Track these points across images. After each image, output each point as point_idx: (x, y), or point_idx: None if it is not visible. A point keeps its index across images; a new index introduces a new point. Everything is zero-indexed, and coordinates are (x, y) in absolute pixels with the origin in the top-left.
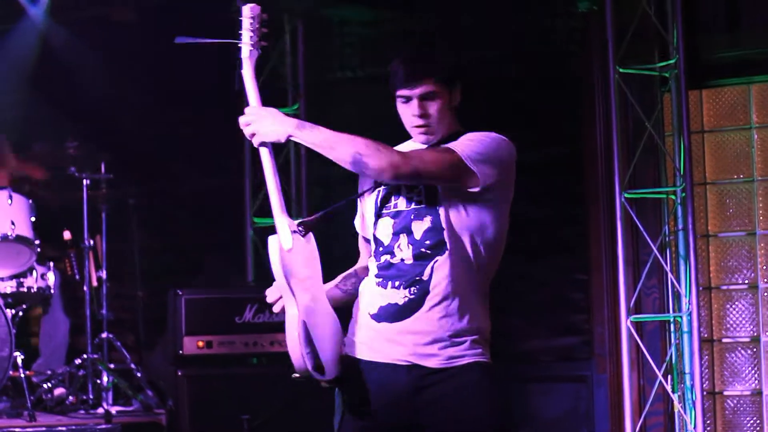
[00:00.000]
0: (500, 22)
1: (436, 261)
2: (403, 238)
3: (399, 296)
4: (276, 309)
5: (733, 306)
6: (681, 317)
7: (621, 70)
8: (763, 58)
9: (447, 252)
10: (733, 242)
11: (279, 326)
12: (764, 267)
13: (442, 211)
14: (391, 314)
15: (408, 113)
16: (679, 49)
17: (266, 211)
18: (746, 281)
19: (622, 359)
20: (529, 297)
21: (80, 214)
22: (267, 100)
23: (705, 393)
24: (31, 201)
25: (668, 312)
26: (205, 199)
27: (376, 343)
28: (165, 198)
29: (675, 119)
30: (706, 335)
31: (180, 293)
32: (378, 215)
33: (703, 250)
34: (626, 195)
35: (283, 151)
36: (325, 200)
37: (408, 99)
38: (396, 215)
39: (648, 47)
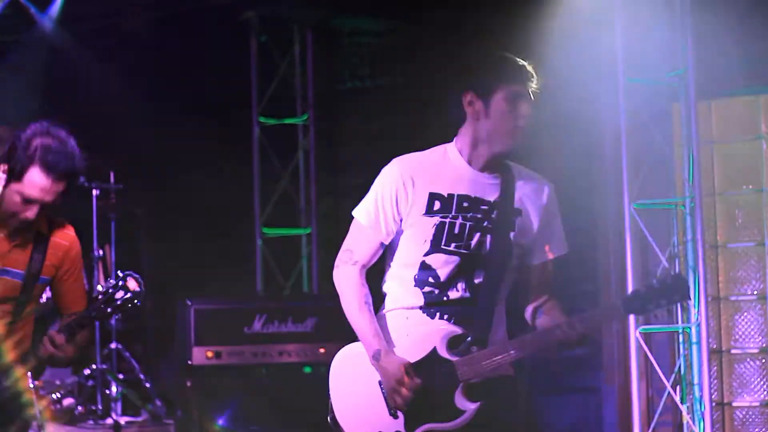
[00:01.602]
0: (509, 30)
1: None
2: (462, 281)
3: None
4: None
5: (742, 317)
6: (690, 328)
7: (630, 81)
8: None
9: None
10: (742, 253)
11: (287, 337)
12: None
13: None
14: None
15: (514, 113)
16: (689, 59)
17: (275, 221)
18: (755, 292)
19: (631, 370)
20: None
21: (89, 223)
22: (277, 111)
23: (714, 404)
24: None
25: (677, 323)
26: (215, 209)
27: None
28: (174, 208)
29: (684, 130)
30: (714, 346)
31: (189, 303)
32: (437, 247)
33: (712, 260)
34: (635, 205)
35: (293, 160)
36: (333, 208)
37: (519, 96)
38: (464, 257)
39: (657, 58)
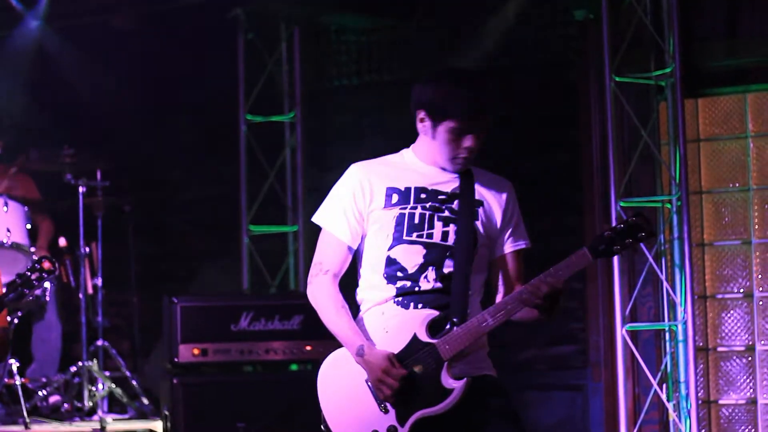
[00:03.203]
0: (495, 27)
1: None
2: (432, 271)
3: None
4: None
5: (729, 315)
6: (676, 326)
7: (617, 79)
8: (759, 67)
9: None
10: (729, 251)
11: (274, 334)
12: (759, 276)
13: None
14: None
15: (458, 144)
16: (676, 57)
17: (262, 219)
18: (741, 290)
19: (618, 368)
20: None
21: (76, 221)
22: (264, 108)
23: (700, 402)
24: (26, 208)
25: (663, 321)
26: (201, 206)
27: None
28: (161, 206)
29: (671, 128)
30: (701, 344)
31: (176, 301)
32: (399, 239)
33: (699, 258)
34: (622, 203)
35: (279, 157)
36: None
37: (464, 132)
38: (429, 246)
39: (644, 56)
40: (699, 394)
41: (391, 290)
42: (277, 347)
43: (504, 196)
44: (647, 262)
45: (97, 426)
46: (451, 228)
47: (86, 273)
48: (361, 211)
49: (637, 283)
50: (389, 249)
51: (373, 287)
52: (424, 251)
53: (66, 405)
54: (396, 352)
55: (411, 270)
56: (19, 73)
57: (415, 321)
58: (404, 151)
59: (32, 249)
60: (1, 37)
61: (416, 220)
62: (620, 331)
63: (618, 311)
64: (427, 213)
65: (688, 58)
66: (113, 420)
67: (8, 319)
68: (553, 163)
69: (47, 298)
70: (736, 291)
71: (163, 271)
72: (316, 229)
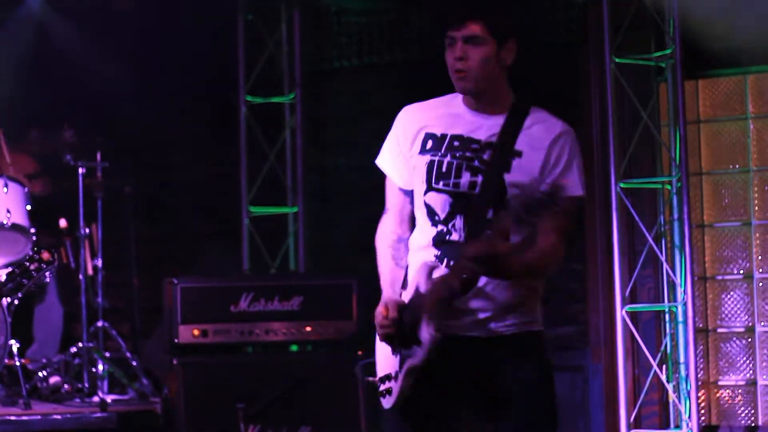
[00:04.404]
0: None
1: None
2: (459, 220)
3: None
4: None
5: (728, 296)
6: (676, 307)
7: (617, 60)
8: (759, 48)
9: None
10: (729, 232)
11: (274, 315)
12: (759, 257)
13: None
14: None
15: (450, 57)
16: (676, 39)
17: (262, 200)
18: (741, 271)
19: (617, 349)
20: None
21: (76, 202)
22: (264, 89)
23: (699, 383)
24: (26, 189)
25: (663, 302)
26: (201, 187)
27: None
28: (161, 187)
29: (671, 109)
30: (700, 325)
31: (176, 282)
32: (429, 186)
33: (699, 240)
34: (622, 185)
35: (279, 138)
36: (320, 188)
37: (453, 41)
38: (455, 195)
39: (644, 37)
40: (699, 375)
41: (429, 234)
42: (277, 328)
43: (547, 142)
44: (647, 244)
45: (97, 407)
46: (479, 178)
47: (86, 254)
48: (404, 154)
49: (637, 264)
50: (424, 194)
51: (417, 228)
52: (450, 200)
53: (66, 386)
54: (407, 299)
55: (442, 217)
56: (20, 54)
57: (423, 269)
58: (457, 94)
59: (32, 230)
60: (2, 18)
61: (444, 169)
62: (620, 312)
63: (618, 292)
64: (455, 162)
65: (688, 40)
66: (113, 401)
67: (8, 300)
68: None
69: (47, 280)
70: (735, 272)
71: (162, 253)
72: (317, 211)
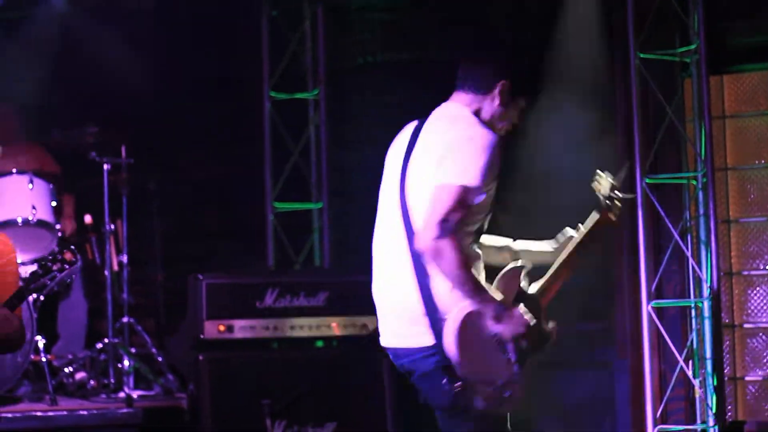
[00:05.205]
0: (521, 5)
1: None
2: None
3: None
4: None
5: (754, 291)
6: (702, 303)
7: (642, 56)
8: None
9: None
10: (754, 228)
11: (299, 311)
12: None
13: None
14: None
15: (513, 117)
16: (700, 34)
17: (286, 196)
18: (767, 266)
19: (643, 345)
20: None
21: (101, 198)
22: (288, 86)
23: (726, 378)
24: (52, 186)
25: (689, 297)
26: (226, 184)
27: None
28: (186, 183)
29: (696, 105)
30: (727, 321)
31: (201, 278)
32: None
33: (724, 235)
34: (647, 180)
35: (303, 135)
36: (344, 183)
37: (524, 109)
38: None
39: (669, 33)
40: (725, 371)
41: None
42: (302, 324)
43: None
44: (673, 239)
45: (123, 403)
46: None
47: (111, 250)
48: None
49: (663, 260)
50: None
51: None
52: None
53: (92, 382)
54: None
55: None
56: (42, 52)
57: (516, 272)
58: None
59: (57, 226)
60: (25, 15)
61: None
62: (646, 308)
63: (644, 288)
64: None
65: (713, 35)
66: (139, 396)
67: (34, 296)
68: (577, 140)
69: (72, 276)
70: (761, 267)
71: (188, 248)
72: (341, 207)
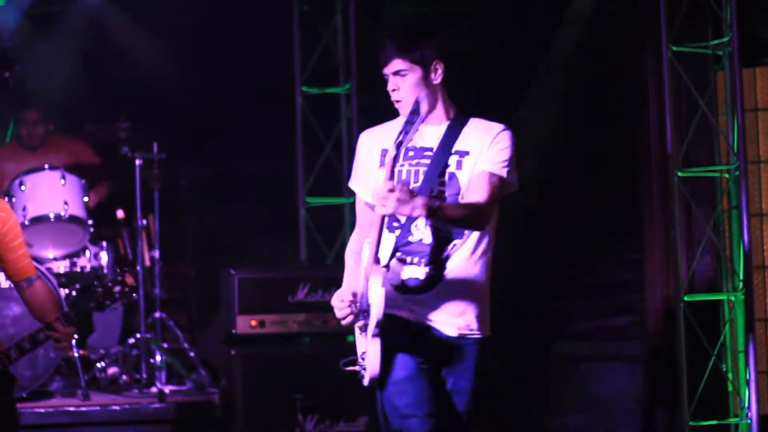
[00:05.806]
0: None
1: (455, 245)
2: (422, 220)
3: (420, 272)
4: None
5: None
6: (735, 296)
7: (674, 49)
8: None
9: (465, 237)
10: None
11: (331, 306)
12: None
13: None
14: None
15: (389, 91)
16: (733, 26)
17: (318, 191)
18: None
19: (677, 338)
20: (583, 277)
21: (133, 193)
22: (319, 80)
23: (759, 372)
24: (84, 181)
25: (722, 291)
26: (258, 179)
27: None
28: (217, 178)
29: (728, 97)
30: (759, 314)
31: (233, 273)
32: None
33: (757, 228)
34: (680, 174)
35: (335, 129)
36: None
37: (386, 77)
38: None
39: (701, 25)
40: (758, 365)
41: (392, 240)
42: (334, 318)
43: (491, 137)
44: (706, 232)
45: (155, 398)
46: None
47: (143, 245)
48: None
49: (696, 253)
50: None
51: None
52: None
53: (124, 376)
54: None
55: (403, 221)
56: (77, 47)
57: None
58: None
59: (90, 222)
60: (60, 11)
61: (404, 177)
62: (679, 302)
63: (680, 281)
64: (413, 170)
65: (746, 28)
66: (171, 391)
67: (66, 291)
68: (609, 133)
69: (105, 271)
70: None
71: (220, 243)
72: None
